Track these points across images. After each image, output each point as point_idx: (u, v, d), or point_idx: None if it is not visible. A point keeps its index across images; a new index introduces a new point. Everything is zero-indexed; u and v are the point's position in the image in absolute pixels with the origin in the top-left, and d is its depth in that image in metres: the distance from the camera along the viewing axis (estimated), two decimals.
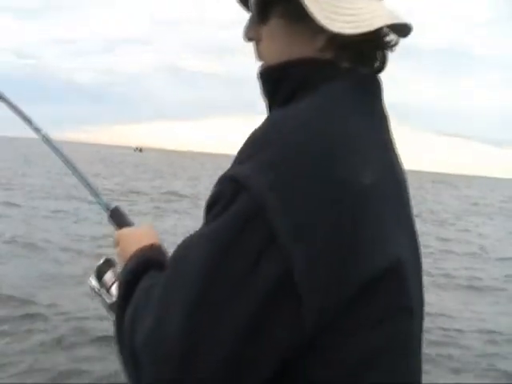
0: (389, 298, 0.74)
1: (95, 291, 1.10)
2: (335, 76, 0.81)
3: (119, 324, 0.81)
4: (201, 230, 0.74)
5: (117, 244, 1.03)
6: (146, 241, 0.95)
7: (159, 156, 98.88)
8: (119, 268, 1.02)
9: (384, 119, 0.85)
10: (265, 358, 0.69)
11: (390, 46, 0.85)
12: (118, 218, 1.18)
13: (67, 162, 1.26)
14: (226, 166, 0.77)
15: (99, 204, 1.23)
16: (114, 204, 1.22)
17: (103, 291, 1.08)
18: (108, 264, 1.12)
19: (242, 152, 0.74)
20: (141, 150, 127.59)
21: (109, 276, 1.10)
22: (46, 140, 1.29)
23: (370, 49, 0.84)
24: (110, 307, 1.04)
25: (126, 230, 1.08)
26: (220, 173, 0.76)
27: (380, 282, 0.72)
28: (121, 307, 0.82)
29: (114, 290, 1.05)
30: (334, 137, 0.73)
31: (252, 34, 0.89)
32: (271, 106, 0.87)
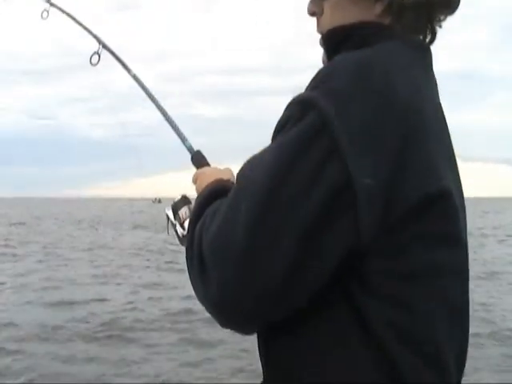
0: (440, 223, 0.79)
1: (171, 222, 1.20)
2: (393, 38, 0.87)
3: (191, 238, 0.86)
4: (271, 144, 0.80)
5: (195, 181, 1.12)
6: (222, 176, 1.04)
7: None
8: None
9: (435, 84, 0.92)
10: (320, 267, 0.75)
11: (440, 20, 0.93)
12: (199, 160, 1.30)
13: (159, 106, 1.45)
14: None
15: (185, 146, 1.37)
16: (196, 148, 1.35)
17: (177, 223, 1.18)
18: (184, 201, 1.21)
19: (308, 85, 0.81)
20: (160, 201, 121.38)
21: (184, 211, 1.18)
22: (137, 79, 1.51)
23: (422, 17, 0.90)
24: (182, 239, 1.13)
25: (204, 168, 1.21)
26: None
27: (433, 206, 0.77)
28: (192, 222, 0.88)
29: (187, 224, 1.09)
30: (392, 71, 0.80)
31: (315, 8, 0.96)
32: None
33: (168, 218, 1.20)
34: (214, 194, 0.92)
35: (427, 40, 0.94)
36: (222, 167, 1.17)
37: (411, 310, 0.78)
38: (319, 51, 0.99)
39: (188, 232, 0.90)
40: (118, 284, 11.45)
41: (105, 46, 1.57)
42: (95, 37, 1.59)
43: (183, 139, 1.38)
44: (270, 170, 0.75)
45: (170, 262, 14.13)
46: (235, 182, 0.82)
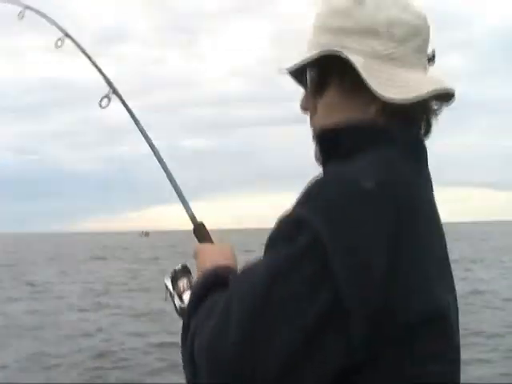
0: (433, 341, 0.79)
1: (169, 293, 1.19)
2: (385, 141, 0.87)
3: (185, 329, 0.89)
4: (263, 258, 0.82)
5: (196, 256, 1.11)
6: (222, 260, 1.03)
7: (163, 237, 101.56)
8: (194, 278, 1.10)
9: (429, 181, 0.92)
10: (311, 376, 0.74)
11: (435, 113, 0.94)
12: (201, 233, 1.28)
13: (166, 171, 1.41)
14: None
15: (188, 215, 1.34)
16: (200, 219, 1.32)
17: (175, 295, 1.17)
18: (184, 270, 1.21)
19: (298, 200, 0.82)
20: (147, 234, 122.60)
21: (183, 282, 1.18)
22: (145, 134, 1.47)
23: (417, 115, 0.91)
24: (180, 311, 1.12)
25: (206, 246, 1.18)
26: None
27: (429, 325, 0.78)
28: (188, 316, 0.90)
29: (186, 296, 1.12)
30: (386, 185, 0.80)
31: (308, 105, 0.98)
32: (325, 164, 0.94)
33: (167, 287, 1.20)
34: (212, 284, 0.92)
35: (423, 131, 0.94)
36: (225, 243, 1.18)
37: None
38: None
39: (183, 324, 0.92)
40: None
41: (115, 92, 1.51)
42: (107, 81, 1.54)
43: (187, 208, 1.36)
44: (262, 291, 0.75)
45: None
46: (231, 285, 0.84)
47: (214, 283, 0.92)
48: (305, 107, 1.00)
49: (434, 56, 0.95)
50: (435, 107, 0.94)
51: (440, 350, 0.81)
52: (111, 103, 1.51)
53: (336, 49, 0.89)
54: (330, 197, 0.79)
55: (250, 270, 0.83)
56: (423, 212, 0.85)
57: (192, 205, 1.36)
